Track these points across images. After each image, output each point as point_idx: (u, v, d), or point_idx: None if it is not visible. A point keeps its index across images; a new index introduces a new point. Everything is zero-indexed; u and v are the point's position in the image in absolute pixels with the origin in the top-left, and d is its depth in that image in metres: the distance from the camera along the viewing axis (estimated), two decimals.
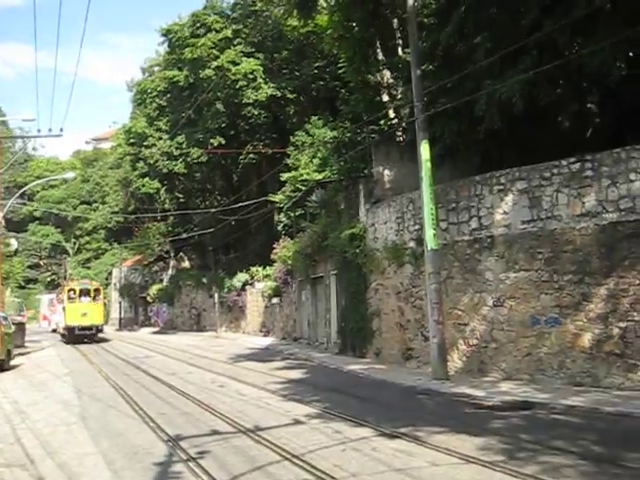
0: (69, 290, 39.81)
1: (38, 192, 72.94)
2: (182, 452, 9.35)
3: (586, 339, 13.97)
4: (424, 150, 16.32)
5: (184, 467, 8.53)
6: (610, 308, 13.60)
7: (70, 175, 52.16)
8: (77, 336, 36.86)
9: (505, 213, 15.84)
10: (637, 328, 13.17)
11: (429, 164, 16.23)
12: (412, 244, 18.91)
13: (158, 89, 42.68)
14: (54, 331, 48.18)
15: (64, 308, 38.99)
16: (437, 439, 9.73)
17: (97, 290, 40.55)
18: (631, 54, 14.57)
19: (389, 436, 10.13)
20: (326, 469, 8.12)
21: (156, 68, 47.68)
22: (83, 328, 37.31)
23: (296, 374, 19.12)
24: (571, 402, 12.17)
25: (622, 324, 13.39)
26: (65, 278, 68.48)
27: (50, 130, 26.61)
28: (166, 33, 40.90)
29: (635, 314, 13.22)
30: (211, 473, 8.04)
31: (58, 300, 44.57)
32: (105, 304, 41.69)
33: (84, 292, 39.40)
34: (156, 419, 12.00)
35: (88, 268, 69.79)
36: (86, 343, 36.31)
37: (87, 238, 71.77)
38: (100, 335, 39.51)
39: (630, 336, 13.26)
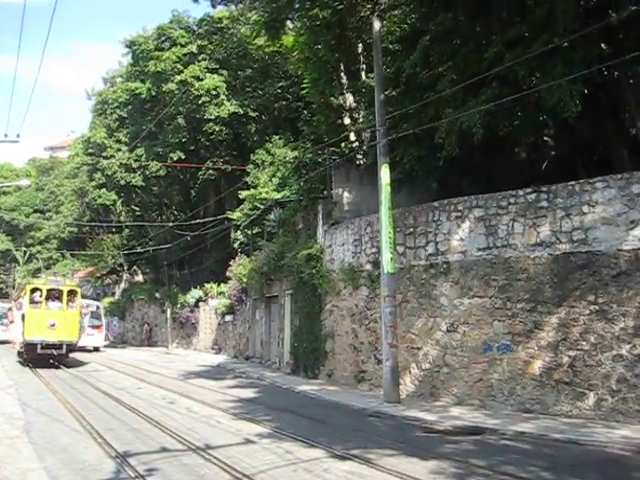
0: (33, 291, 27.23)
1: None
2: (130, 469, 9.16)
3: (536, 366, 14.21)
4: (384, 174, 16.49)
5: None
6: (561, 337, 13.88)
7: (25, 182, 51.19)
8: (40, 356, 26.44)
9: (461, 240, 16.08)
10: (586, 357, 13.45)
11: (389, 188, 16.41)
12: (368, 267, 19.03)
13: (119, 100, 42.23)
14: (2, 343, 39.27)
15: (23, 316, 26.99)
16: (388, 462, 9.74)
17: (72, 293, 27.98)
18: (586, 91, 15.03)
19: (341, 458, 10.11)
20: None
21: (118, 79, 47.16)
22: (48, 345, 26.26)
23: (247, 393, 18.95)
24: (521, 428, 12.35)
25: (572, 353, 13.67)
26: (14, 287, 66.71)
27: (6, 135, 25.98)
28: (130, 45, 40.59)
29: (584, 343, 13.51)
30: None
31: (16, 305, 32.01)
32: (81, 313, 29.46)
33: (54, 294, 27.36)
34: (104, 434, 11.74)
35: (38, 278, 68.21)
36: (51, 366, 26.68)
37: (39, 247, 70.13)
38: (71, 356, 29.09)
39: (579, 365, 13.54)
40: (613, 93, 16.16)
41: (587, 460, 10.17)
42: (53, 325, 26.35)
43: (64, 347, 26.77)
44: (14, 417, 13.78)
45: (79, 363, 28.50)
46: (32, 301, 26.96)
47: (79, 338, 27.94)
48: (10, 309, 36.96)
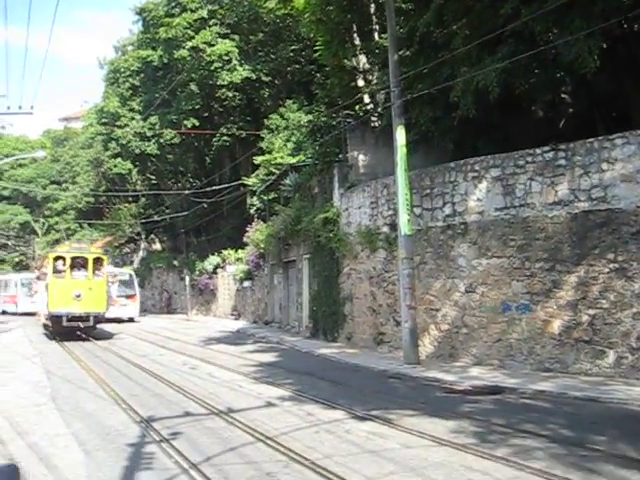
0: (56, 259, 25.65)
1: (6, 171, 71.54)
2: (155, 433, 9.32)
3: (556, 326, 14.19)
4: (400, 135, 16.35)
5: (157, 448, 8.51)
6: (580, 295, 13.82)
7: (40, 154, 51.18)
8: (66, 329, 25.05)
9: (479, 200, 15.96)
10: (605, 315, 13.40)
11: (404, 149, 16.27)
12: (386, 229, 18.99)
13: (131, 69, 42.08)
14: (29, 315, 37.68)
15: (47, 286, 25.50)
16: (409, 422, 9.83)
17: (98, 260, 26.25)
18: (604, 45, 14.71)
19: (361, 419, 10.21)
20: (300, 450, 8.17)
21: (129, 47, 46.88)
22: (74, 318, 24.83)
23: (268, 357, 19.15)
24: (540, 387, 12.38)
25: (591, 311, 13.62)
26: (34, 259, 67.36)
27: (20, 108, 25.99)
28: (140, 12, 40.27)
29: (604, 302, 13.45)
30: (185, 454, 8.03)
31: (40, 275, 30.25)
32: (108, 282, 27.58)
33: (79, 263, 25.74)
34: (128, 400, 11.94)
35: (62, 245, 68.71)
36: (86, 345, 23.89)
37: (56, 219, 70.62)
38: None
39: (598, 323, 13.50)
40: (633, 46, 15.79)
41: (606, 417, 10.20)
42: (79, 296, 24.80)
43: (91, 319, 25.38)
44: (40, 385, 14.05)
45: (106, 334, 27.46)
46: (55, 270, 25.38)
47: (107, 309, 26.48)
48: (35, 279, 34.78)
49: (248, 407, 11.23)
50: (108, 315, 30.73)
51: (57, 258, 25.74)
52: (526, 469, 7.20)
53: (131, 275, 40.38)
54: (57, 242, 67.95)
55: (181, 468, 7.52)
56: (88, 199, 59.50)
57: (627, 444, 8.30)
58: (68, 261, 25.43)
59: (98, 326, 26.90)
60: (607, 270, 13.44)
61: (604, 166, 13.58)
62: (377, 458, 7.88)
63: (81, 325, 25.31)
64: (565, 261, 14.13)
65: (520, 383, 12.86)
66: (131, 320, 37.44)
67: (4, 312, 44.37)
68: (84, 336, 25.41)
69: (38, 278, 31.20)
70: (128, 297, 37.64)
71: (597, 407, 10.90)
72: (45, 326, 27.91)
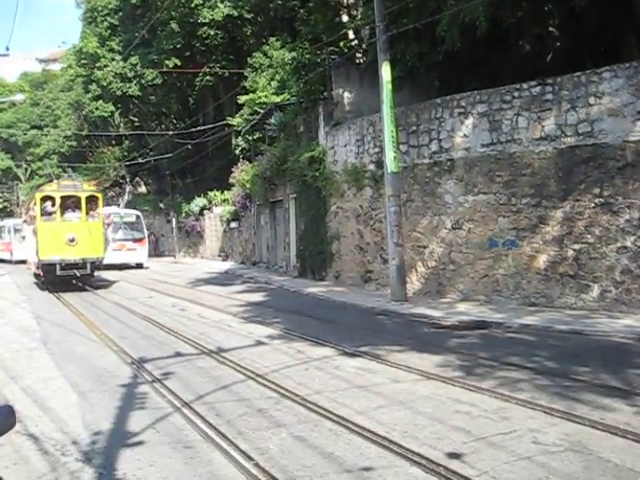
0: (44, 200, 22.97)
1: None
2: (147, 374, 9.42)
3: (541, 261, 14.34)
4: (385, 72, 16.12)
5: (150, 388, 8.62)
6: (565, 231, 13.93)
7: (19, 97, 50.28)
8: (60, 278, 22.73)
9: (465, 136, 15.88)
10: (590, 250, 13.54)
11: (390, 86, 16.07)
12: (372, 167, 18.92)
13: (109, 7, 40.94)
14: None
15: (35, 231, 23.15)
16: (397, 357, 10.00)
17: (92, 199, 23.64)
18: None
19: (350, 355, 10.37)
20: (290, 387, 8.31)
21: None
22: (69, 265, 22.47)
23: (256, 297, 19.30)
24: (526, 321, 12.58)
25: (576, 246, 13.76)
26: (18, 205, 66.76)
27: None
28: None
29: (589, 236, 13.57)
30: (177, 393, 8.14)
31: (27, 219, 27.65)
32: (105, 224, 24.92)
33: (71, 203, 23.13)
34: (119, 343, 12.04)
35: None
36: (74, 289, 22.95)
37: (39, 164, 69.73)
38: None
39: (583, 258, 13.65)
40: None
41: (591, 349, 10.40)
42: (72, 240, 22.26)
43: (88, 266, 22.86)
44: (30, 330, 14.14)
45: (105, 283, 25.58)
46: (44, 213, 22.64)
47: (104, 253, 23.89)
48: (23, 223, 32.18)
49: (238, 346, 11.35)
50: (113, 261, 29.88)
51: (45, 198, 23.00)
52: (512, 400, 7.37)
53: (138, 216, 37.43)
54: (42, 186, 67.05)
55: (174, 407, 7.63)
56: (70, 143, 58.74)
57: (609, 374, 8.49)
58: (58, 201, 22.64)
59: (96, 274, 24.82)
60: (593, 205, 13.51)
61: (591, 100, 13.50)
62: (366, 393, 8.03)
63: (77, 273, 22.83)
64: (551, 196, 14.18)
65: (506, 318, 13.06)
66: (139, 266, 35.02)
67: (1, 260, 43.38)
68: (80, 285, 23.66)
69: (25, 222, 28.98)
70: (135, 241, 35.22)
71: (581, 339, 11.11)
72: (36, 276, 25.46)
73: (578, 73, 13.78)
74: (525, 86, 14.60)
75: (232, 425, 6.87)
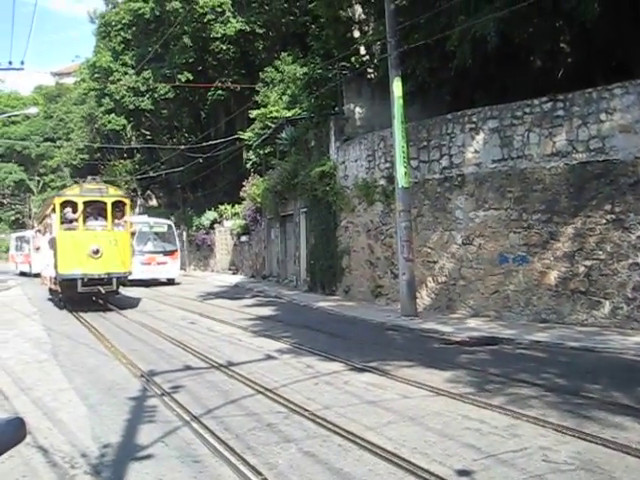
0: (64, 205, 20.00)
1: None
2: (156, 387, 9.43)
3: (552, 277, 14.27)
4: (396, 87, 16.17)
5: (159, 401, 8.62)
6: (577, 247, 13.87)
7: (33, 111, 50.78)
8: (80, 295, 20.01)
9: (476, 152, 15.89)
10: (602, 266, 13.48)
11: (401, 101, 16.12)
12: (383, 182, 18.94)
13: (123, 22, 41.37)
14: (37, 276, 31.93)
15: (54, 241, 19.91)
16: (407, 373, 9.96)
17: (120, 205, 20.82)
18: None
19: (360, 370, 10.33)
20: (300, 402, 8.29)
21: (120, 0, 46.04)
22: (92, 281, 19.58)
23: (266, 311, 19.29)
24: (537, 338, 12.51)
25: (587, 262, 13.69)
26: (30, 217, 67.09)
27: (10, 63, 25.60)
28: None
29: (600, 253, 13.50)
30: (186, 407, 8.14)
31: (42, 227, 24.39)
32: (133, 233, 23.14)
33: (95, 209, 20.47)
34: (128, 355, 12.06)
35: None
36: (95, 307, 20.62)
37: (52, 176, 70.39)
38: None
39: (595, 274, 13.58)
40: None
41: (601, 366, 10.32)
42: (97, 252, 19.49)
43: (114, 281, 20.06)
44: (41, 341, 14.18)
45: (131, 302, 22.90)
46: (64, 220, 19.82)
47: (131, 267, 21.27)
48: (35, 233, 28.47)
49: (248, 360, 11.34)
50: (140, 276, 27.57)
51: (65, 204, 20.02)
52: (522, 417, 7.32)
53: (170, 227, 33.68)
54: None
55: (183, 420, 7.63)
56: (83, 156, 59.15)
57: (621, 392, 8.42)
58: (80, 207, 19.83)
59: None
60: (604, 221, 13.46)
61: (602, 117, 13.48)
62: (376, 408, 8.00)
63: (101, 290, 19.91)
64: (562, 212, 14.14)
65: (516, 334, 13.00)
66: (170, 282, 31.44)
67: (22, 273, 41.79)
68: (101, 303, 21.30)
69: (39, 232, 25.72)
70: (166, 254, 31.45)
71: (592, 357, 11.03)
72: (52, 291, 22.65)
73: (589, 89, 13.77)
74: (536, 102, 14.61)
75: (241, 439, 6.86)
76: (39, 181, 71.81)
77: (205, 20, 35.11)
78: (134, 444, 6.84)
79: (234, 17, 35.55)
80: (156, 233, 32.29)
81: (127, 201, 21.17)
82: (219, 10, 35.12)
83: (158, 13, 38.20)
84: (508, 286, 15.17)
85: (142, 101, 40.51)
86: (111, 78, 41.66)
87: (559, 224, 14.20)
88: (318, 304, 19.87)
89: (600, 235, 13.52)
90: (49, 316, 19.09)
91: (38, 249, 26.25)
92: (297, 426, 7.35)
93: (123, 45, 42.28)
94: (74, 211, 19.90)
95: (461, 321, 15.17)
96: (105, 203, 20.19)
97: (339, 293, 21.76)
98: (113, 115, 44.55)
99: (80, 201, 19.96)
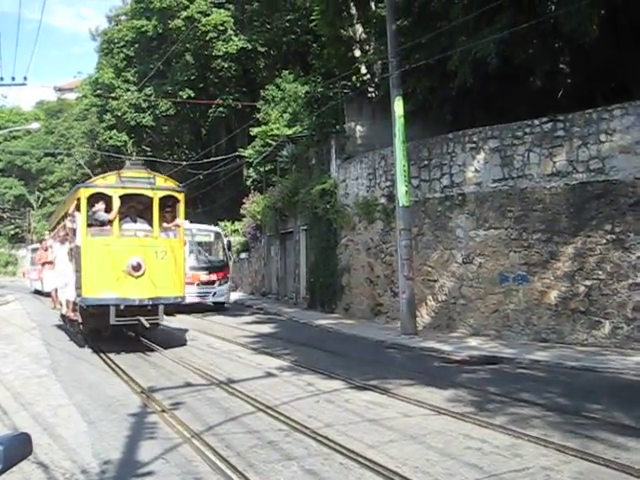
0: (92, 199, 14.44)
1: (0, 143, 71.24)
2: (156, 404, 9.39)
3: (552, 296, 14.30)
4: (398, 106, 16.27)
5: (159, 418, 8.59)
6: (577, 266, 13.91)
7: (35, 126, 50.93)
8: (112, 327, 14.71)
9: (477, 171, 15.97)
10: (602, 286, 13.51)
11: (402, 120, 16.22)
12: (383, 200, 19.01)
13: (125, 39, 41.71)
14: (38, 292, 27.74)
15: (77, 252, 14.38)
16: (407, 391, 9.94)
17: (171, 202, 15.45)
18: (602, 12, 14.66)
19: (361, 388, 10.32)
20: (300, 420, 8.26)
21: (123, 17, 46.40)
22: (131, 309, 14.06)
23: (266, 328, 19.26)
24: (537, 357, 12.51)
25: (588, 282, 13.72)
26: (29, 232, 67.13)
27: (13, 79, 25.74)
28: None
29: (600, 272, 13.54)
30: (187, 424, 8.11)
31: (56, 234, 18.97)
32: (185, 242, 16.40)
33: (137, 207, 15.52)
34: (128, 372, 12.02)
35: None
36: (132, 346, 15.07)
37: (52, 191, 70.52)
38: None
39: (595, 294, 13.60)
40: (633, 15, 15.68)
41: (602, 386, 10.31)
42: (138, 268, 13.91)
43: (160, 310, 14.29)
44: (40, 357, 14.13)
45: (178, 339, 16.57)
46: (93, 222, 14.17)
47: (184, 289, 15.22)
48: (42, 241, 23.52)
49: (248, 377, 11.32)
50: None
51: (95, 198, 14.29)
52: (524, 437, 7.31)
53: (218, 234, 27.19)
54: (52, 215, 67.09)
55: (183, 437, 7.60)
56: (84, 171, 59.25)
57: (622, 412, 8.41)
58: (116, 203, 14.14)
59: None
60: (604, 241, 13.51)
61: (602, 137, 13.58)
62: (377, 427, 7.98)
63: (144, 322, 14.12)
64: (562, 232, 14.19)
65: (517, 353, 12.99)
66: (220, 306, 25.23)
67: (37, 292, 36.58)
68: (134, 336, 16.41)
69: (53, 239, 20.05)
70: (214, 270, 24.91)
71: (593, 376, 11.02)
72: (69, 321, 16.66)
73: (589, 110, 13.89)
74: (537, 122, 14.72)
75: (242, 457, 6.84)
76: (39, 196, 71.91)
77: (207, 38, 35.41)
78: (135, 461, 6.81)
79: (236, 35, 35.85)
80: (200, 243, 25.75)
81: (181, 197, 15.17)
82: (221, 28, 35.43)
83: (161, 31, 38.54)
84: (508, 305, 15.19)
85: (143, 117, 40.74)
86: (113, 94, 41.91)
87: (559, 244, 14.25)
88: (318, 322, 19.85)
89: (600, 255, 13.57)
90: (47, 330, 18.97)
91: (45, 264, 20.98)
92: (298, 444, 7.33)
93: (125, 62, 42.60)
94: (107, 209, 14.26)
95: (461, 340, 15.16)
96: (151, 198, 14.59)
97: (339, 311, 21.75)
98: (114, 131, 44.75)
99: (116, 195, 14.14)
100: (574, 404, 9.01)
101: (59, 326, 19.51)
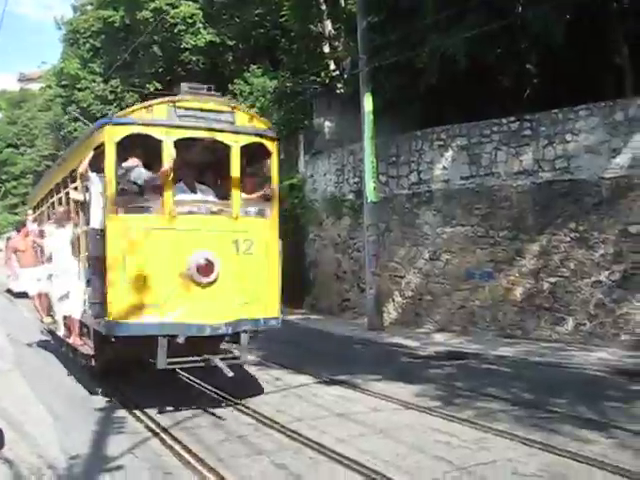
0: (125, 148, 8.44)
1: None
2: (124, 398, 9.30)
3: (518, 293, 14.52)
4: (367, 103, 16.35)
5: (126, 412, 8.53)
6: (542, 264, 14.14)
7: None
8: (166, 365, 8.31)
9: (444, 168, 16.12)
10: (566, 283, 13.76)
11: (371, 117, 16.30)
12: (351, 196, 19.07)
13: (92, 29, 40.96)
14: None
15: (93, 240, 8.52)
16: (376, 386, 10.02)
17: (258, 154, 9.30)
18: (568, 16, 14.91)
19: (329, 383, 10.38)
20: (269, 414, 8.28)
21: (89, 7, 45.56)
22: (194, 342, 8.30)
23: None
24: (502, 352, 12.71)
25: (552, 279, 13.96)
26: None
27: None
28: None
29: (564, 270, 13.79)
30: (154, 418, 8.08)
31: (43, 214, 14.13)
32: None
33: (196, 163, 9.46)
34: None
35: (16, 214, 67.45)
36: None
37: (14, 183, 69.06)
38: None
39: (559, 291, 13.85)
40: (599, 19, 15.97)
41: (565, 381, 10.52)
42: (207, 270, 8.41)
43: (243, 339, 8.85)
44: (4, 352, 13.85)
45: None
46: (125, 187, 8.61)
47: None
48: (20, 228, 16.98)
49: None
50: None
51: (127, 146, 8.59)
52: (490, 431, 7.43)
53: None
54: (15, 206, 66.03)
55: (152, 432, 7.57)
56: (47, 163, 58.26)
57: (585, 406, 8.60)
58: (169, 154, 8.47)
59: None
60: (569, 239, 13.76)
61: (568, 137, 13.82)
62: (346, 421, 8.04)
63: (219, 364, 8.51)
64: (528, 230, 14.41)
65: (483, 349, 13.18)
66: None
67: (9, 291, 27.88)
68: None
69: (37, 221, 14.66)
70: None
71: (557, 372, 11.24)
72: (65, 344, 11.76)
73: (555, 110, 14.12)
74: (504, 121, 14.92)
75: (212, 451, 6.83)
76: (1, 187, 70.48)
77: (175, 30, 34.98)
78: (103, 455, 6.76)
79: (204, 28, 35.48)
80: None
81: (274, 147, 9.49)
82: (190, 21, 35.01)
83: (128, 22, 37.94)
84: (474, 302, 15.38)
85: (110, 109, 40.12)
86: (79, 85, 41.22)
87: (525, 241, 14.47)
88: (285, 317, 19.77)
89: (564, 253, 13.81)
90: (13, 327, 18.55)
91: (17, 251, 14.34)
92: (267, 438, 7.35)
93: (92, 52, 41.86)
94: (150, 164, 8.90)
95: (428, 336, 15.31)
96: (228, 149, 8.94)
97: (306, 306, 21.75)
98: (80, 123, 44.00)
99: (170, 140, 8.52)
100: (539, 399, 9.17)
101: (43, 344, 14.45)
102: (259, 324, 9.05)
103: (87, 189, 9.17)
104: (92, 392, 9.67)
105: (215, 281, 8.41)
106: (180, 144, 8.58)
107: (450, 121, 16.39)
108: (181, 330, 8.17)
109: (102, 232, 8.42)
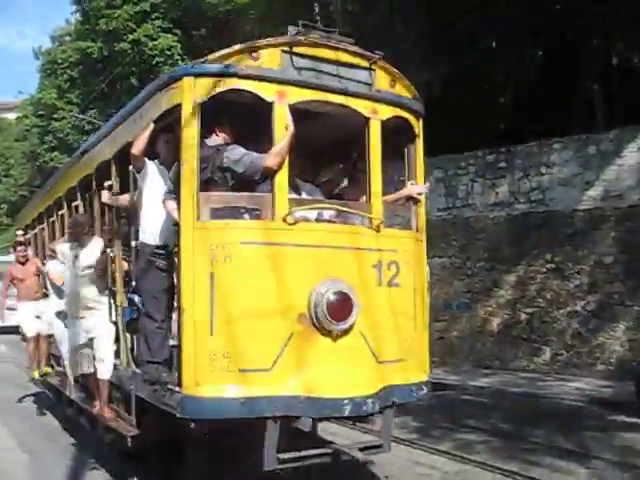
0: (210, 110, 5.02)
1: None
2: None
3: (495, 324, 14.62)
4: None
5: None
6: (518, 294, 14.28)
7: None
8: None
9: None
10: (542, 314, 13.89)
11: None
12: None
13: (70, 60, 41.05)
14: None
15: (144, 260, 5.73)
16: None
17: (401, 132, 6.08)
18: (540, 53, 15.30)
19: None
20: None
21: (67, 37, 45.68)
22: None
23: None
24: (480, 383, 12.75)
25: (529, 310, 14.09)
26: None
27: None
28: (80, 1, 39.35)
29: (541, 300, 13.93)
30: None
31: (45, 229, 10.67)
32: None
33: (305, 142, 5.40)
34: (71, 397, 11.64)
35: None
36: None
37: None
38: None
39: (536, 321, 13.97)
40: (572, 57, 16.35)
41: (544, 411, 10.56)
42: (344, 310, 4.97)
43: (388, 418, 5.52)
44: None
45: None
46: (211, 179, 5.21)
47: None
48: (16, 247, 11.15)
49: None
50: None
51: (215, 114, 5.29)
52: (470, 462, 7.42)
53: None
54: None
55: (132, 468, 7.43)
56: (23, 192, 57.78)
57: (562, 437, 8.63)
58: (283, 123, 5.08)
59: None
60: (544, 270, 13.92)
61: (543, 170, 14.09)
62: None
63: (358, 455, 5.23)
64: (505, 261, 14.57)
65: (461, 380, 13.20)
66: None
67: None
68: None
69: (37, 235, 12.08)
70: None
71: (534, 402, 11.27)
72: (87, 419, 8.21)
73: (530, 143, 14.40)
74: (480, 154, 15.17)
75: None
76: None
77: (154, 62, 35.18)
78: None
79: (182, 60, 35.68)
80: None
81: (419, 126, 6.43)
82: (168, 53, 35.27)
83: (106, 53, 38.07)
84: (452, 332, 15.44)
85: (86, 140, 40.09)
86: (55, 115, 41.14)
87: (501, 272, 14.62)
88: None
89: (541, 283, 13.96)
90: None
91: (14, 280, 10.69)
92: None
93: (69, 83, 41.86)
94: (248, 143, 5.49)
95: None
96: (365, 122, 5.67)
97: None
98: (56, 153, 43.82)
99: (284, 104, 5.16)
100: (517, 429, 9.20)
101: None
102: (412, 395, 5.72)
103: (135, 184, 6.00)
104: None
105: (352, 327, 5.10)
106: (304, 114, 5.33)
107: (426, 153, 16.52)
108: (306, 409, 4.85)
109: (166, 250, 5.72)
